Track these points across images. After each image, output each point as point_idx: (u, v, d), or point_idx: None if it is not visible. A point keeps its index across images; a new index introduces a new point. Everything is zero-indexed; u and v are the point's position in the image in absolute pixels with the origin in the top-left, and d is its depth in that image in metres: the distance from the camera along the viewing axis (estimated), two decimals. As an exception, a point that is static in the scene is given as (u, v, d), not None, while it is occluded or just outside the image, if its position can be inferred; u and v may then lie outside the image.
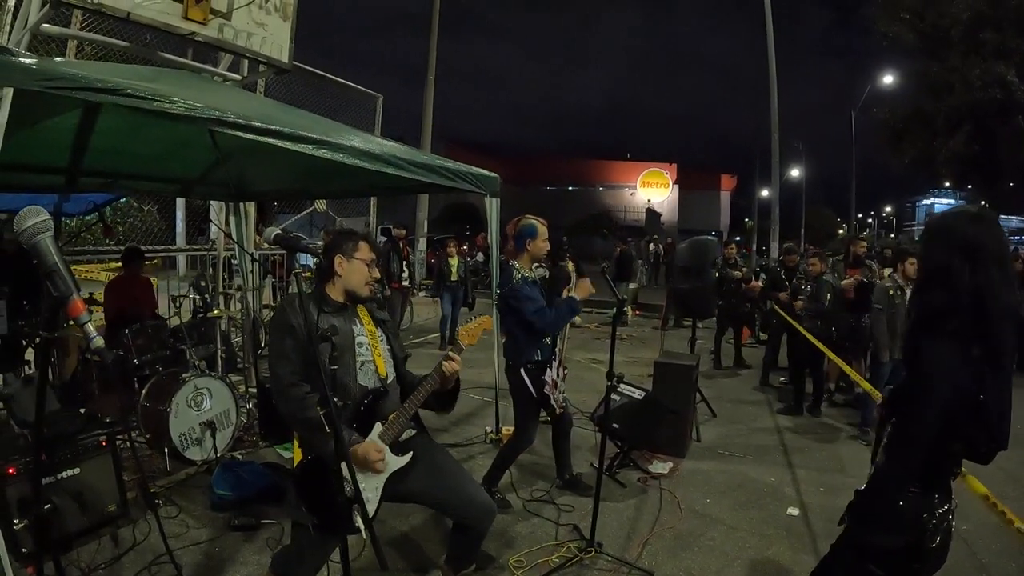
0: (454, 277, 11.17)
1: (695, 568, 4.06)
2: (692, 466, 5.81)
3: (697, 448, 6.27)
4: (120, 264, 6.69)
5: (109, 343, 5.67)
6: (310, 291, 3.12)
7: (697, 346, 8.35)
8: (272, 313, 8.96)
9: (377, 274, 3.16)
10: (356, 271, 3.06)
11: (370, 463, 2.82)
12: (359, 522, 2.60)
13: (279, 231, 2.74)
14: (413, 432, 3.14)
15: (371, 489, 2.86)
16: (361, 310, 3.17)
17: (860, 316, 7.57)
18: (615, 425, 5.44)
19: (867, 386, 5.90)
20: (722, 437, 6.65)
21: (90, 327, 1.72)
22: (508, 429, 6.04)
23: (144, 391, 5.18)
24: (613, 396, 4.80)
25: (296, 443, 3.01)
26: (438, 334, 11.56)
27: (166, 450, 5.01)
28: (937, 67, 24.20)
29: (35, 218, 1.69)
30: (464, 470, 3.36)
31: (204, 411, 5.17)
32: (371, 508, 2.83)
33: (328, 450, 2.59)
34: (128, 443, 4.76)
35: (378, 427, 2.94)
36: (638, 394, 5.74)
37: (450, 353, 3.01)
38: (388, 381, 3.10)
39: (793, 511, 4.95)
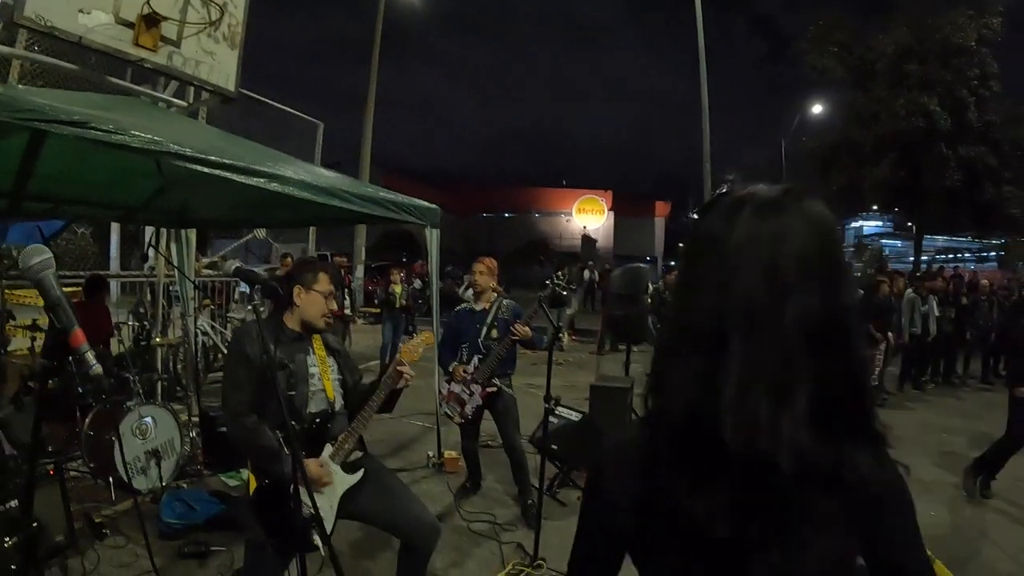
0: (398, 305, 11.27)
1: (635, 579, 4.23)
2: (630, 484, 5.98)
3: (634, 467, 6.43)
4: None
5: (48, 376, 5.62)
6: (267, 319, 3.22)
7: (632, 369, 8.57)
8: (208, 339, 8.98)
9: (334, 306, 3.27)
10: (313, 303, 3.16)
11: (314, 479, 2.93)
12: (317, 540, 2.73)
13: (239, 264, 2.87)
14: (361, 454, 3.27)
15: (326, 507, 2.98)
16: (316, 339, 3.27)
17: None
18: (554, 446, 5.62)
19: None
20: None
21: (90, 355, 1.84)
22: (450, 453, 6.19)
23: (88, 420, 5.12)
24: (551, 419, 5.00)
25: (249, 469, 3.08)
26: (377, 361, 11.61)
27: (111, 479, 4.99)
28: (864, 98, 25.46)
29: (40, 256, 1.81)
30: (410, 491, 3.49)
31: (149, 440, 5.16)
32: (328, 526, 2.94)
33: (282, 474, 2.72)
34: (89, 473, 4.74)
35: (328, 448, 3.07)
36: (575, 416, 5.95)
37: (400, 367, 3.19)
38: (336, 406, 3.21)
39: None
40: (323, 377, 3.20)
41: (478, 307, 5.46)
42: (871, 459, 1.05)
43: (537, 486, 4.54)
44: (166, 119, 5.08)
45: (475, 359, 5.30)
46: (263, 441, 2.88)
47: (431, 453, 6.41)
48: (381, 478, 3.31)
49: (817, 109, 28.63)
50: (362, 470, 3.17)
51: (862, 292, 10.18)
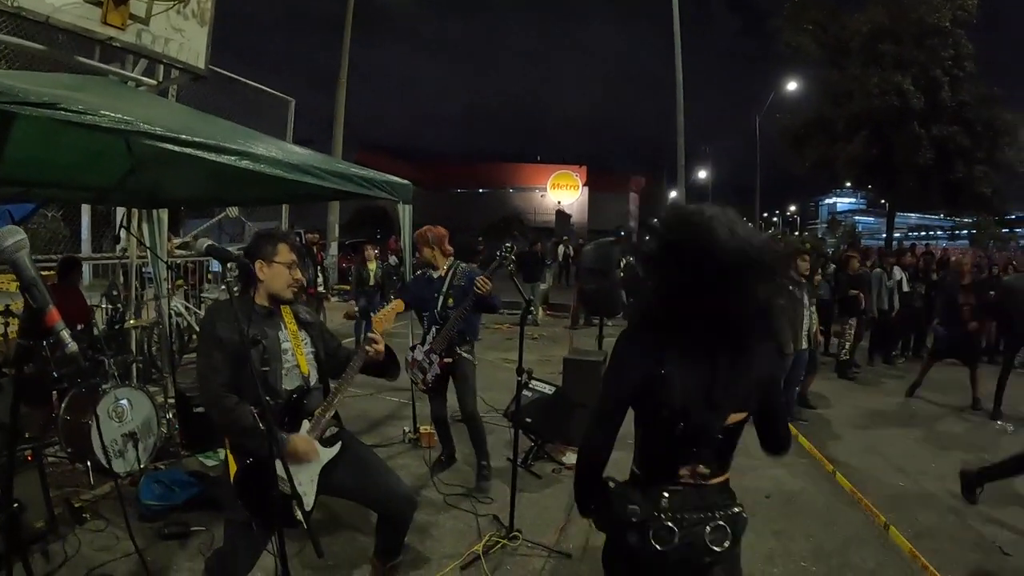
0: (372, 282, 11.24)
1: (610, 548, 4.30)
2: (603, 456, 6.07)
3: (607, 439, 6.50)
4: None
5: (25, 357, 5.59)
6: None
7: (605, 343, 8.65)
8: (182, 320, 8.93)
9: (299, 275, 3.21)
10: (277, 275, 3.12)
11: (302, 454, 2.98)
12: (298, 515, 2.77)
13: (211, 242, 2.86)
14: (336, 429, 3.27)
15: (307, 482, 3.02)
16: (286, 312, 3.23)
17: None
18: (527, 420, 5.70)
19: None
20: (629, 427, 6.89)
21: (65, 334, 1.87)
22: (425, 428, 6.24)
23: (64, 404, 5.08)
24: (524, 392, 5.07)
25: (228, 451, 3.05)
26: (352, 338, 11.59)
27: (89, 463, 4.97)
28: (838, 76, 25.72)
29: (14, 237, 1.84)
30: (384, 464, 3.52)
31: (125, 422, 5.12)
32: (309, 500, 3.00)
33: (265, 451, 2.75)
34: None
35: (306, 424, 3.08)
36: (548, 390, 6.02)
37: (371, 336, 3.22)
38: (311, 381, 3.20)
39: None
40: (296, 352, 3.18)
41: (435, 274, 5.43)
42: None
43: (511, 459, 4.59)
44: (136, 98, 5.04)
45: (433, 329, 5.29)
46: (245, 422, 2.86)
47: (407, 428, 6.47)
48: (357, 452, 3.33)
49: (792, 86, 28.71)
50: (339, 443, 3.20)
51: (834, 267, 10.34)
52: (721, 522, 2.02)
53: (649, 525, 1.98)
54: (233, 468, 2.97)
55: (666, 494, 2.03)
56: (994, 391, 8.00)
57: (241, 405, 2.90)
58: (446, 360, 5.23)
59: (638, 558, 2.02)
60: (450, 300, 5.25)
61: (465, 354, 5.33)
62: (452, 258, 5.48)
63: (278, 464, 2.66)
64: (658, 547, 1.96)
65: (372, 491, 3.29)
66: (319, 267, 10.68)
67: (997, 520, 5.05)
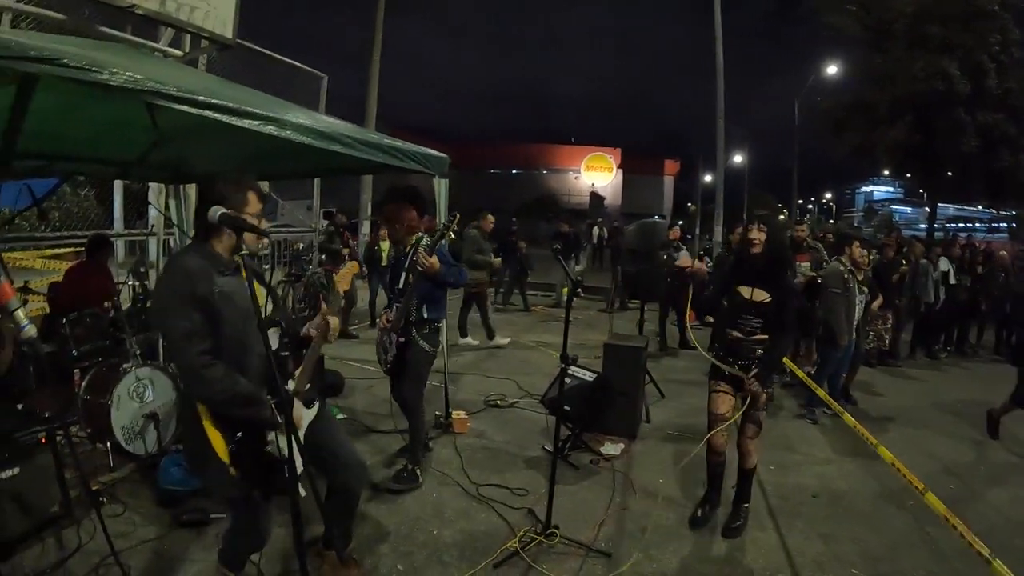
0: (384, 262, 10.85)
1: (652, 547, 4.07)
2: (643, 447, 5.86)
3: (647, 429, 6.32)
4: (58, 251, 6.41)
5: (48, 334, 5.49)
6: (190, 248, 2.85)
7: (645, 328, 8.40)
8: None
9: (265, 226, 2.86)
10: None
11: (296, 420, 2.84)
12: (302, 489, 2.68)
13: (223, 211, 2.59)
14: (307, 385, 3.03)
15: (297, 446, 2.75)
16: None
17: (812, 304, 7.38)
18: (566, 407, 5.41)
19: (801, 374, 5.93)
20: (672, 417, 6.68)
21: (20, 314, 1.64)
22: (458, 414, 6.05)
23: (84, 383, 4.94)
24: (564, 378, 4.81)
25: (207, 424, 2.68)
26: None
27: (109, 445, 4.81)
28: (881, 58, 24.93)
29: None
30: (341, 426, 3.38)
31: (147, 403, 4.93)
32: (299, 464, 2.76)
33: (267, 417, 2.64)
34: (67, 439, 4.51)
35: (290, 384, 2.88)
36: (589, 376, 5.74)
37: (324, 314, 3.02)
38: (284, 338, 2.98)
39: (745, 489, 5.02)
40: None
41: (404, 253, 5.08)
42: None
43: (548, 449, 4.34)
44: (155, 63, 4.78)
45: (394, 307, 4.96)
46: (239, 388, 2.59)
47: (438, 413, 6.22)
48: (324, 412, 3.19)
49: (832, 69, 27.91)
50: (317, 404, 3.06)
51: (877, 255, 9.91)
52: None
53: None
54: (219, 443, 2.68)
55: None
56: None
57: (231, 373, 2.62)
58: (400, 340, 4.87)
59: None
60: (410, 276, 4.86)
61: (419, 338, 4.90)
62: (420, 233, 5.08)
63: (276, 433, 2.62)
64: None
65: (336, 456, 3.16)
66: (346, 248, 10.49)
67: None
